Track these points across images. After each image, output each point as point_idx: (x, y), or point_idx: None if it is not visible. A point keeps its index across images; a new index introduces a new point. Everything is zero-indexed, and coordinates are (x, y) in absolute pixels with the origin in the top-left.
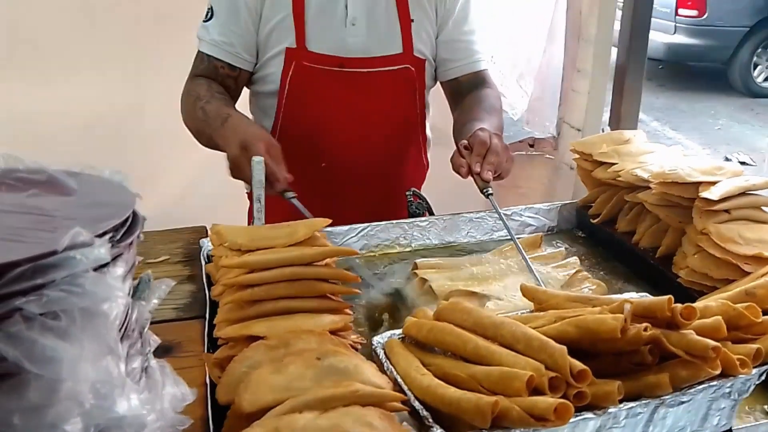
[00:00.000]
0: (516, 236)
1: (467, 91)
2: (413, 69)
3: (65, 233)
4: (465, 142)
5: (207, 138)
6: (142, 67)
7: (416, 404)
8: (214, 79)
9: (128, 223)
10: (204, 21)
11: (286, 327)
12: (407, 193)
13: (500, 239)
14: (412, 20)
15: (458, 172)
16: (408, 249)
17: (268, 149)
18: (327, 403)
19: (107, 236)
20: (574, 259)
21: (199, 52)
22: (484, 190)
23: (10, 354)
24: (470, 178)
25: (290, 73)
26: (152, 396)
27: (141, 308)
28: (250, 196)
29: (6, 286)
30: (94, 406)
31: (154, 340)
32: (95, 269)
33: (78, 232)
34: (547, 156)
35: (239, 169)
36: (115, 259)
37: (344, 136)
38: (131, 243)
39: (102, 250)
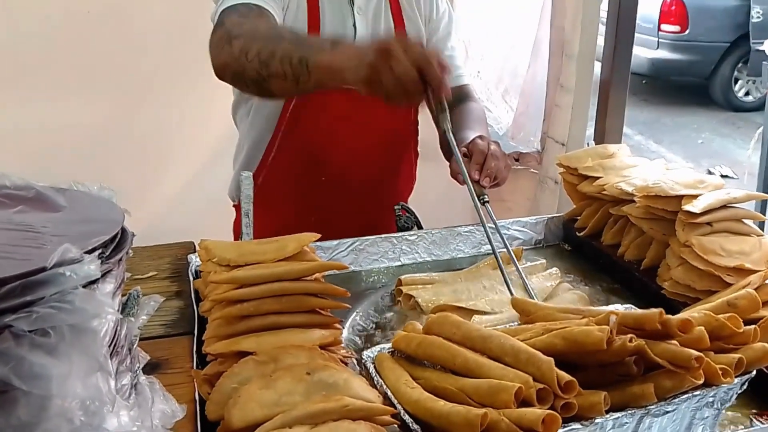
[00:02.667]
0: (500, 250)
1: (452, 105)
2: None
3: (54, 249)
4: (464, 149)
5: (296, 63)
6: (127, 84)
7: (406, 418)
8: None
9: (117, 239)
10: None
11: (275, 342)
12: (396, 207)
13: (488, 252)
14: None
15: (455, 179)
16: (397, 263)
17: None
18: (317, 418)
19: (96, 252)
20: (555, 270)
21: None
22: (481, 197)
23: None
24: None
25: None
26: (142, 412)
27: (130, 325)
28: (237, 208)
29: None
30: (84, 423)
31: (143, 357)
32: (84, 286)
33: (67, 249)
34: (532, 170)
35: (378, 77)
36: (104, 275)
37: (344, 150)
38: (120, 259)
39: (91, 267)
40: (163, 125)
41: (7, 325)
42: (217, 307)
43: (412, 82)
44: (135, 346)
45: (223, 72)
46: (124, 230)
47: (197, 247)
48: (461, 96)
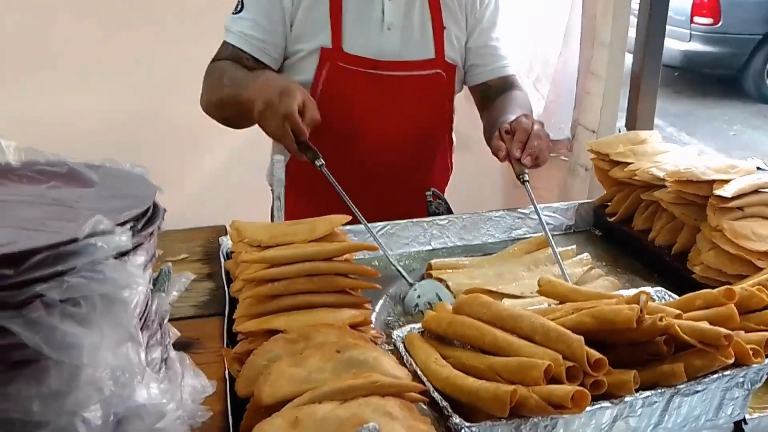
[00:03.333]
0: (526, 235)
1: (496, 94)
2: (444, 74)
3: (86, 222)
4: (507, 126)
5: (232, 105)
6: (157, 70)
7: (435, 395)
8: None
9: (149, 214)
10: (233, 13)
11: (306, 321)
12: (427, 193)
13: (518, 238)
14: (445, 28)
15: (496, 155)
16: (427, 248)
17: (304, 103)
18: (346, 394)
19: (128, 225)
20: (586, 256)
21: (225, 42)
22: (521, 176)
23: (30, 340)
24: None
25: (324, 72)
26: (172, 386)
27: (161, 299)
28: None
29: (27, 272)
30: (114, 393)
31: (174, 333)
32: (116, 257)
33: (99, 220)
34: (562, 158)
35: (271, 115)
36: (135, 248)
37: (374, 137)
38: (152, 233)
39: (123, 238)
40: (194, 111)
41: (38, 295)
42: (248, 286)
43: (283, 135)
44: (165, 321)
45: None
46: (155, 205)
47: (228, 230)
48: (505, 86)
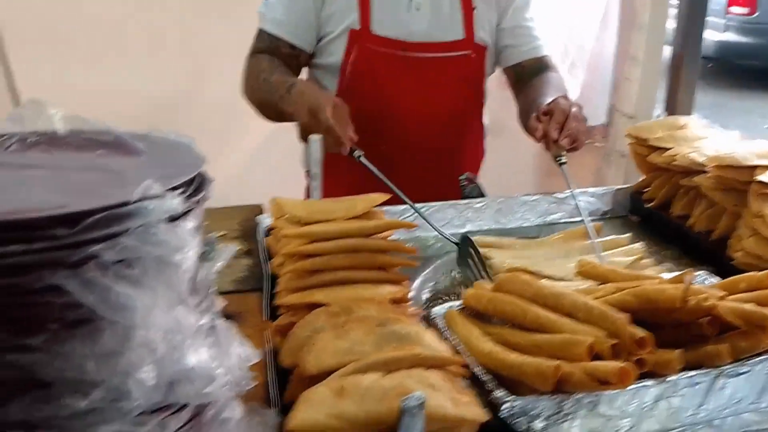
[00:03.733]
0: (562, 220)
1: (531, 75)
2: (474, 55)
3: (138, 186)
4: (545, 107)
5: (272, 108)
6: (197, 48)
7: (477, 369)
8: (275, 56)
9: (197, 182)
10: None
11: (347, 296)
12: (461, 177)
13: (554, 222)
14: (474, 8)
15: (532, 135)
16: (462, 230)
17: (335, 111)
18: (390, 365)
19: (179, 190)
20: (639, 245)
21: (260, 29)
22: (558, 158)
23: (85, 299)
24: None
25: (353, 54)
26: (220, 352)
27: (208, 267)
28: (309, 175)
29: (82, 233)
30: (166, 355)
31: (220, 302)
32: (167, 221)
33: (150, 185)
34: (597, 144)
35: (310, 134)
36: (185, 213)
37: (404, 120)
38: (200, 200)
39: (174, 202)
40: (233, 90)
41: (93, 255)
42: (289, 261)
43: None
44: (212, 290)
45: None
46: (203, 174)
47: (267, 207)
48: (540, 67)
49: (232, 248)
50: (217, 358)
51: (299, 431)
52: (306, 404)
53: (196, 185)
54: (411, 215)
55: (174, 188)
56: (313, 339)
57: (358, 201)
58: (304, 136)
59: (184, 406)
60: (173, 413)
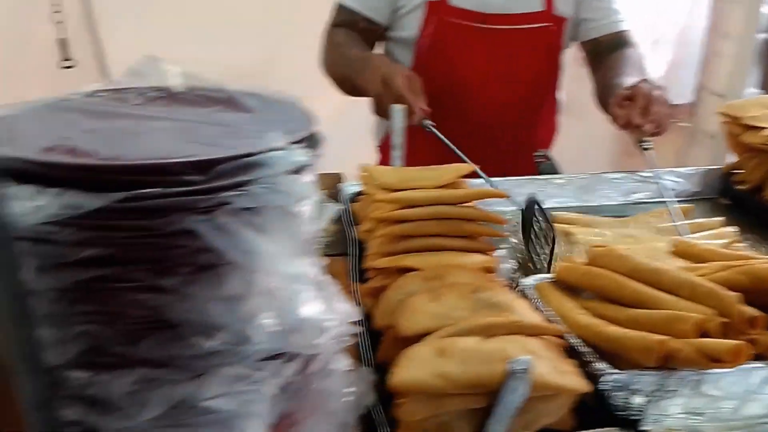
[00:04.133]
0: (646, 200)
1: (609, 51)
2: (553, 27)
3: (259, 141)
4: (626, 92)
5: (350, 83)
6: (276, 20)
7: (574, 341)
8: (352, 30)
9: (314, 139)
10: None
11: (438, 262)
12: (536, 153)
13: (638, 202)
14: None
15: (615, 122)
16: (543, 206)
17: (408, 82)
18: (488, 330)
19: (301, 144)
20: (731, 229)
21: (337, 3)
22: (642, 143)
23: (217, 244)
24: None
25: (429, 27)
26: (328, 306)
27: (316, 222)
28: (381, 149)
29: (214, 180)
30: (284, 303)
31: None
32: (291, 173)
33: (276, 136)
34: (682, 123)
35: (381, 108)
36: (306, 167)
37: (479, 94)
38: (317, 156)
39: (299, 154)
40: (308, 63)
41: (224, 202)
42: (380, 225)
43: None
44: (318, 246)
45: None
46: (318, 131)
47: (345, 178)
48: (618, 42)
49: (333, 207)
50: (327, 311)
51: (403, 387)
52: (408, 362)
53: (312, 142)
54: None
55: (297, 141)
56: (406, 302)
57: (446, 170)
58: (378, 109)
59: (295, 355)
60: (286, 361)
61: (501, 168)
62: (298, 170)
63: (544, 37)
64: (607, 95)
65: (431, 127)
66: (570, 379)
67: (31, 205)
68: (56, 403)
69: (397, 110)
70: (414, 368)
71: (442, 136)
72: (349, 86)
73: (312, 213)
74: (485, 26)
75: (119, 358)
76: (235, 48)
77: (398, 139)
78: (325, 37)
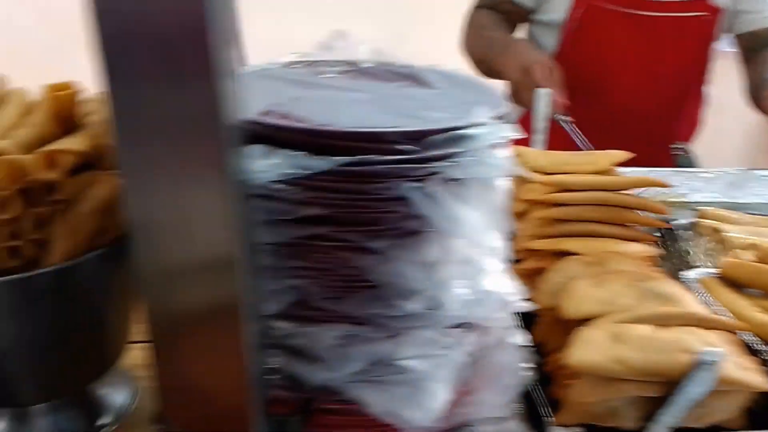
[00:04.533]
0: None
1: (763, 46)
2: (708, 17)
3: (472, 111)
4: None
5: (487, 65)
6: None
7: (749, 337)
8: (496, 12)
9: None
10: None
11: (598, 248)
12: (675, 146)
13: None
14: None
15: None
16: (684, 200)
17: (548, 73)
18: (663, 320)
19: (500, 120)
20: None
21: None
22: None
23: (426, 212)
24: None
25: (578, 11)
26: (506, 278)
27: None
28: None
29: (427, 150)
30: (477, 273)
31: None
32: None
33: (482, 111)
34: None
35: (518, 94)
36: (503, 142)
37: (623, 84)
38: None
39: (502, 129)
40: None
41: (435, 172)
42: (534, 208)
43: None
44: None
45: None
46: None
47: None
48: None
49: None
50: (509, 285)
51: (580, 368)
52: (584, 344)
53: (508, 118)
54: None
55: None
56: (569, 285)
57: (601, 156)
58: (514, 94)
59: (477, 326)
60: (468, 330)
61: (637, 160)
62: (498, 145)
63: (697, 26)
64: (758, 91)
65: (566, 123)
66: (751, 375)
67: (266, 164)
68: (264, 350)
69: (543, 94)
70: (590, 351)
71: (576, 133)
72: (486, 68)
73: (507, 187)
74: (637, 12)
75: (323, 313)
76: (374, 28)
77: (541, 123)
78: (467, 18)
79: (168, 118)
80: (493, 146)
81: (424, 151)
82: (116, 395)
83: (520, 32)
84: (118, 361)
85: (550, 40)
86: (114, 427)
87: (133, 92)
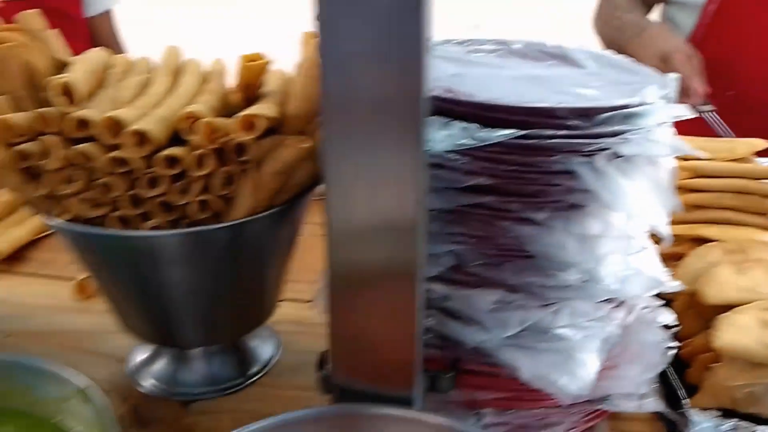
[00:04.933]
0: None
1: None
2: None
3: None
4: None
5: (617, 47)
6: None
7: None
8: None
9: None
10: None
11: (737, 235)
12: None
13: None
14: None
15: None
16: None
17: (688, 61)
18: None
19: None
20: None
21: None
22: None
23: (591, 186)
24: None
25: None
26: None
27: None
28: None
29: (597, 126)
30: (633, 250)
31: None
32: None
33: (652, 91)
34: None
35: None
36: (667, 122)
37: (763, 68)
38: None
39: (668, 108)
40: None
41: (604, 148)
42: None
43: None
44: None
45: None
46: None
47: None
48: None
49: None
50: (659, 264)
51: (728, 351)
52: (732, 328)
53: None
54: None
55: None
56: (710, 271)
57: (740, 143)
58: None
59: (625, 302)
60: (617, 306)
61: None
62: (662, 124)
63: None
64: None
65: (707, 113)
66: None
67: (443, 135)
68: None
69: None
70: (739, 334)
71: (718, 123)
72: (616, 50)
73: (670, 166)
74: None
75: (479, 279)
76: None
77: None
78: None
79: (372, 89)
80: (661, 125)
81: (594, 128)
82: (264, 347)
83: (655, 14)
84: (270, 317)
85: (688, 22)
86: (260, 376)
87: (344, 69)
